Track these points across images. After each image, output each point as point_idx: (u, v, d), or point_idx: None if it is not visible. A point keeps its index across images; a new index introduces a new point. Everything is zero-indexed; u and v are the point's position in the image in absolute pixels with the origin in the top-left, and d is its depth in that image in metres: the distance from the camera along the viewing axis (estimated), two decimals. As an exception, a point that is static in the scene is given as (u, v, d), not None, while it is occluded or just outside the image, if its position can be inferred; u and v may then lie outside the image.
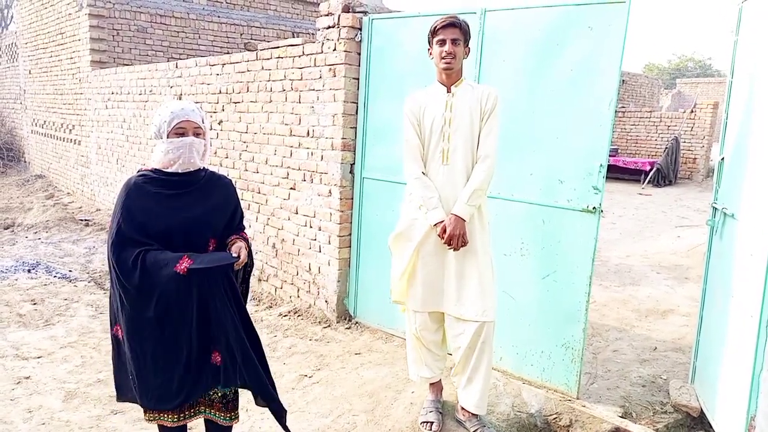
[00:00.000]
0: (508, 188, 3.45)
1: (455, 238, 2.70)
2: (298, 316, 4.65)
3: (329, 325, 4.42)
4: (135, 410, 3.22)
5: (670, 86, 31.92)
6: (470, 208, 2.73)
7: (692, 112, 14.38)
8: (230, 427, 2.43)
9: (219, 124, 5.60)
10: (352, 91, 4.20)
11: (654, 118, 15.05)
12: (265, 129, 4.99)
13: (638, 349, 4.13)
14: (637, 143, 15.29)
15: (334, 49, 4.20)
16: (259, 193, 5.17)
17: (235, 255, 2.16)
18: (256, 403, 2.38)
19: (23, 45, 12.00)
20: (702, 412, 3.17)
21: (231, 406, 2.35)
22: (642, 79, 20.45)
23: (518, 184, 3.41)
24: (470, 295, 2.79)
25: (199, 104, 5.69)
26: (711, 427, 3.05)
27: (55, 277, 5.57)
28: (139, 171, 2.24)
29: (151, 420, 2.27)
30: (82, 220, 8.08)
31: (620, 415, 3.18)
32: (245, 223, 2.52)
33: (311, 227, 4.60)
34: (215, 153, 5.67)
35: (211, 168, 2.39)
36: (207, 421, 2.39)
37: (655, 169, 13.34)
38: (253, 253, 2.48)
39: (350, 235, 4.41)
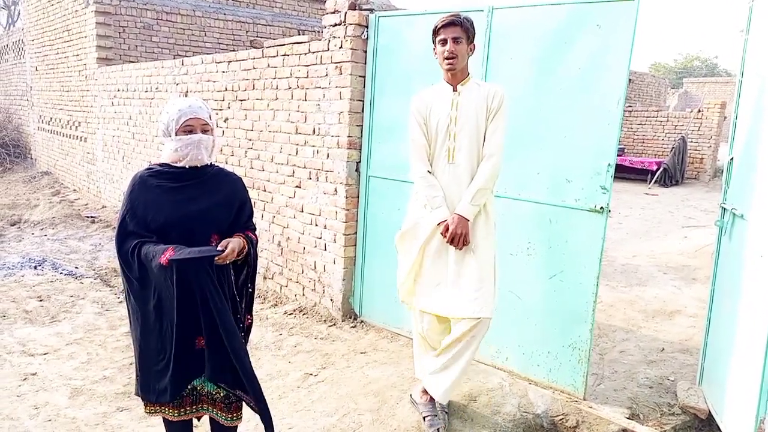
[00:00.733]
0: (515, 187, 3.43)
1: (457, 237, 2.70)
2: (304, 314, 4.64)
3: (334, 324, 4.41)
4: (141, 407, 3.21)
5: (676, 86, 31.78)
6: (473, 207, 2.72)
7: (699, 111, 14.30)
8: (234, 428, 2.43)
9: (225, 121, 5.60)
10: (358, 88, 4.19)
11: (661, 118, 14.98)
12: (271, 127, 4.99)
13: (645, 350, 4.11)
14: (643, 143, 15.22)
15: (341, 47, 4.19)
16: (264, 191, 5.16)
17: (220, 249, 2.13)
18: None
19: (30, 42, 12.03)
20: (710, 414, 3.14)
21: (234, 407, 2.34)
22: (649, 78, 20.36)
23: (525, 183, 3.39)
24: (468, 294, 2.77)
25: (205, 101, 5.68)
26: (719, 429, 3.02)
27: (61, 273, 5.58)
28: (148, 165, 2.27)
29: (152, 413, 2.28)
30: (88, 216, 8.10)
31: (627, 416, 3.16)
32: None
33: (317, 225, 4.59)
34: (221, 150, 5.67)
35: (217, 165, 2.39)
36: (211, 420, 2.40)
37: (662, 168, 13.28)
38: (258, 252, 2.45)
39: (356, 233, 4.40)
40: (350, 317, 4.47)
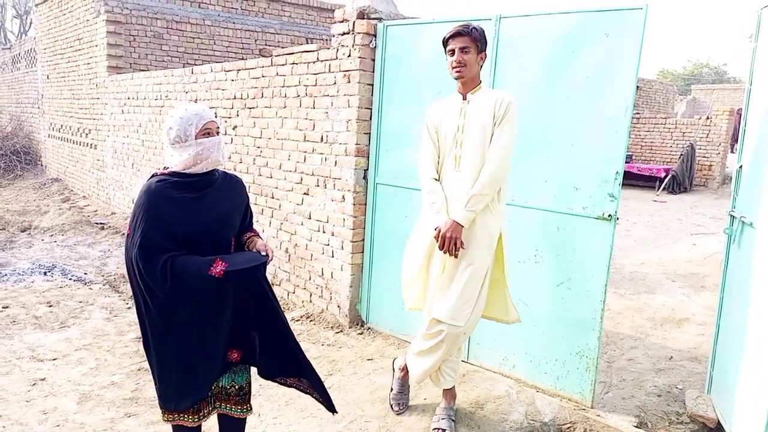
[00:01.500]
0: (523, 195, 3.43)
1: (448, 241, 2.69)
2: (311, 321, 4.65)
3: (341, 331, 4.42)
4: (149, 413, 3.24)
5: (684, 92, 31.66)
6: (469, 213, 2.71)
7: (708, 118, 14.25)
8: (244, 420, 2.45)
9: (233, 129, 5.64)
10: (366, 97, 4.21)
11: (669, 125, 14.93)
12: (279, 134, 5.02)
13: (653, 359, 4.09)
14: (651, 150, 15.17)
15: (349, 55, 4.21)
16: (272, 198, 5.19)
17: (263, 254, 2.22)
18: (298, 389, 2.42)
19: (42, 50, 12.18)
20: (719, 423, 3.12)
21: (247, 398, 2.39)
22: (657, 85, 20.30)
23: (533, 190, 3.39)
24: (450, 299, 2.80)
25: (213, 109, 5.75)
26: (728, 438, 3.01)
27: (70, 279, 5.62)
28: (153, 175, 2.23)
29: (170, 420, 2.29)
30: (97, 223, 8.16)
31: (635, 425, 3.15)
32: (259, 227, 2.56)
33: (324, 232, 4.61)
34: (229, 158, 5.70)
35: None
36: (220, 416, 2.41)
37: (670, 175, 13.22)
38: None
39: (363, 240, 4.41)
40: (357, 324, 4.48)
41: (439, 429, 2.97)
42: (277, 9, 10.76)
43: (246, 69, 5.44)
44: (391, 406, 3.21)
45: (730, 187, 3.07)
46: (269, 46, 10.29)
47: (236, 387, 2.35)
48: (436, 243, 2.83)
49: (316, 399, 2.38)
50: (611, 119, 3.07)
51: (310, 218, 4.75)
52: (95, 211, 9.12)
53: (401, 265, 3.13)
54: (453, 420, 3.04)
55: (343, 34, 4.26)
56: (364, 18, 4.15)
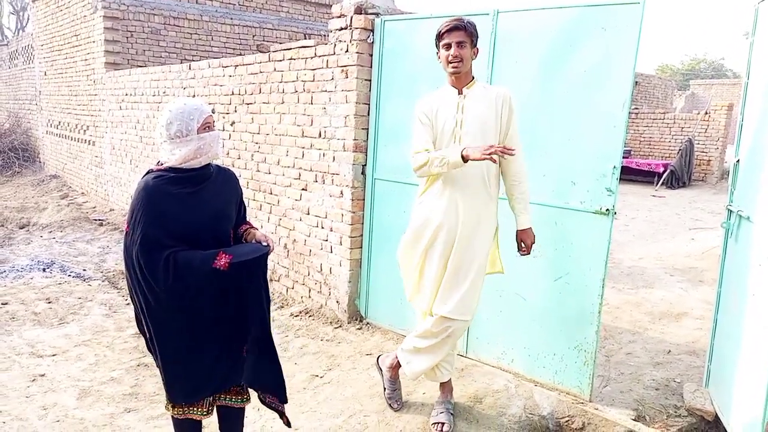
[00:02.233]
0: (521, 189, 3.43)
1: (532, 246, 2.95)
2: (310, 316, 4.66)
3: (340, 326, 4.43)
4: (148, 408, 3.25)
5: (683, 87, 31.64)
6: (530, 215, 2.93)
7: (706, 113, 14.25)
8: (243, 410, 2.47)
9: (231, 125, 5.64)
10: (364, 92, 4.21)
11: (667, 120, 14.93)
12: (277, 130, 5.01)
13: (652, 352, 4.10)
14: (650, 145, 15.17)
15: (347, 51, 4.21)
16: (270, 193, 5.19)
17: (264, 244, 2.23)
18: (263, 402, 2.40)
19: (39, 47, 12.14)
20: (717, 416, 3.13)
21: (245, 388, 2.42)
22: (655, 80, 20.29)
23: (531, 185, 3.38)
24: (455, 294, 2.82)
25: (211, 105, 5.74)
26: (726, 431, 3.02)
27: (69, 276, 5.63)
28: (150, 171, 2.21)
29: (180, 414, 2.31)
30: (96, 219, 8.16)
31: (633, 418, 3.16)
32: (257, 223, 2.57)
33: (323, 228, 4.61)
34: (227, 154, 5.70)
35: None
36: (219, 407, 2.43)
37: (668, 170, 13.23)
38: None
39: (361, 236, 4.41)
40: (356, 319, 4.48)
41: (438, 423, 2.98)
42: (275, 5, 10.73)
43: (244, 65, 5.43)
44: (390, 405, 3.20)
45: (728, 182, 3.06)
46: (267, 41, 10.26)
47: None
48: (435, 241, 2.83)
49: (282, 417, 2.41)
50: (609, 114, 3.07)
51: (308, 214, 4.76)
52: (94, 207, 9.12)
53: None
54: (452, 413, 3.05)
55: (341, 29, 4.25)
56: (361, 13, 4.14)
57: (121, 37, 9.00)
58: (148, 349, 2.35)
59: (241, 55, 8.48)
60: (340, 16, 4.26)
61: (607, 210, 3.11)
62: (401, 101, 4.03)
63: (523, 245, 2.95)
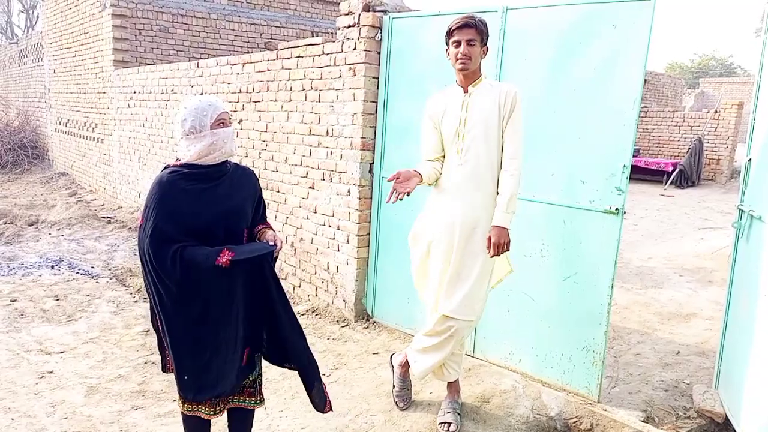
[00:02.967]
0: (529, 188, 3.41)
1: (501, 246, 2.73)
2: (316, 314, 4.65)
3: (347, 325, 4.42)
4: (155, 406, 3.25)
5: (693, 86, 31.42)
6: (509, 215, 2.74)
7: (716, 112, 14.13)
8: (253, 411, 2.46)
9: (239, 123, 5.64)
10: (372, 90, 4.20)
11: (677, 118, 14.82)
12: (285, 128, 5.01)
13: (661, 353, 4.07)
14: (659, 143, 15.07)
15: (354, 48, 4.20)
16: (278, 192, 5.19)
17: (271, 243, 2.21)
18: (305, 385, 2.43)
19: (48, 45, 12.20)
20: (726, 418, 3.10)
21: (259, 389, 2.42)
22: (664, 78, 20.15)
23: (539, 184, 3.37)
24: (458, 294, 2.81)
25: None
26: (736, 433, 2.99)
27: (77, 273, 5.65)
28: (166, 167, 2.23)
29: (189, 411, 2.31)
30: (104, 217, 8.19)
31: (642, 419, 3.13)
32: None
33: (330, 226, 4.60)
34: (235, 152, 5.70)
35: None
36: (230, 411, 2.42)
37: (677, 170, 13.13)
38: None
39: (369, 234, 4.40)
40: (363, 318, 4.48)
41: (445, 423, 2.97)
42: (283, 2, 10.73)
43: (251, 62, 5.43)
44: (396, 403, 3.20)
45: (738, 181, 3.04)
46: (275, 39, 10.26)
47: (250, 379, 2.38)
48: (439, 238, 2.83)
49: (311, 398, 2.41)
50: (619, 112, 3.04)
51: (315, 212, 4.75)
52: (102, 205, 9.16)
53: (407, 259, 3.13)
54: (459, 414, 3.04)
55: (349, 26, 4.24)
56: (369, 10, 4.13)
57: (129, 34, 9.03)
58: (159, 344, 2.35)
59: (248, 52, 8.49)
60: (348, 14, 4.24)
61: (617, 209, 3.08)
62: (409, 99, 4.01)
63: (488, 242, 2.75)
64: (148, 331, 4.33)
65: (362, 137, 4.22)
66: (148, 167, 8.04)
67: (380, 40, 4.15)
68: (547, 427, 3.08)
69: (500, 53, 3.47)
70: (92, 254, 6.42)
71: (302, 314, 4.65)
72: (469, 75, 2.78)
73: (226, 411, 2.44)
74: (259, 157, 5.39)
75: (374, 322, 4.43)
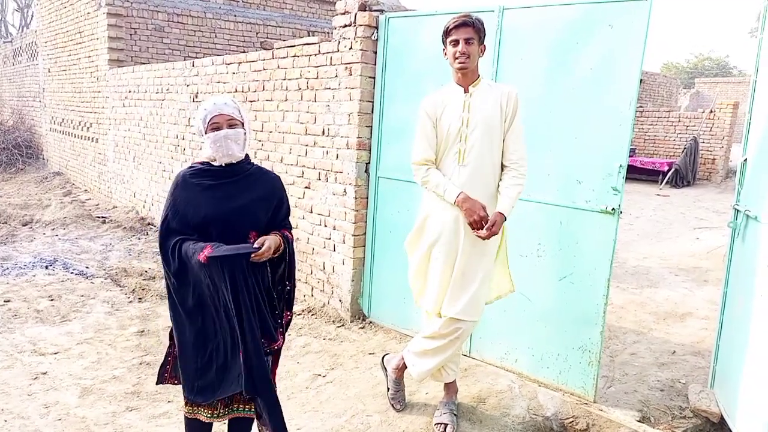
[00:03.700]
0: (526, 188, 3.35)
1: (492, 234, 2.71)
2: (312, 315, 4.64)
3: (343, 325, 4.41)
4: (150, 407, 3.24)
5: (688, 86, 31.52)
6: (511, 209, 2.76)
7: (711, 112, 14.18)
8: (251, 420, 2.44)
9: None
10: (368, 90, 4.18)
11: (672, 118, 14.86)
12: (281, 128, 4.99)
13: (656, 353, 4.07)
14: (654, 143, 15.11)
15: (351, 48, 4.18)
16: (274, 191, 5.16)
17: (255, 246, 2.15)
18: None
19: (43, 44, 12.14)
20: (722, 417, 3.11)
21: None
22: (660, 78, 20.21)
23: (536, 184, 3.36)
24: (463, 295, 2.79)
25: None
26: (732, 433, 2.99)
27: (72, 273, 5.62)
28: (191, 164, 2.33)
29: (190, 414, 2.30)
30: (99, 217, 8.16)
31: (638, 419, 3.13)
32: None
33: (326, 226, 4.59)
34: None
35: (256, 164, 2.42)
36: (231, 420, 2.40)
37: (673, 169, 13.17)
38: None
39: (365, 234, 4.39)
40: (359, 318, 4.46)
41: (441, 423, 2.96)
42: (279, 2, 10.71)
43: (247, 62, 5.41)
44: (392, 406, 3.18)
45: (733, 181, 3.06)
46: (271, 38, 10.24)
47: None
48: (439, 240, 2.82)
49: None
50: (615, 112, 3.04)
51: (311, 212, 4.74)
52: (97, 204, 9.12)
53: (403, 259, 3.12)
54: (455, 414, 3.03)
55: (345, 26, 4.23)
56: (366, 10, 4.12)
57: (124, 34, 8.99)
58: (165, 356, 2.36)
59: (244, 52, 8.46)
60: (344, 13, 4.23)
61: (613, 209, 3.08)
62: (406, 99, 4.00)
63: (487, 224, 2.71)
64: (142, 331, 4.31)
65: (358, 137, 4.21)
66: (143, 167, 8.01)
67: (376, 39, 4.14)
68: (543, 427, 3.08)
69: (496, 53, 3.46)
70: (87, 254, 6.38)
71: (298, 314, 4.64)
72: (469, 74, 2.77)
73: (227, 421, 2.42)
74: (255, 157, 5.37)
75: (370, 322, 4.42)
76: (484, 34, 2.77)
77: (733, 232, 3.24)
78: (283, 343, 2.42)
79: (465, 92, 2.80)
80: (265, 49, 5.30)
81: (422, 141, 2.84)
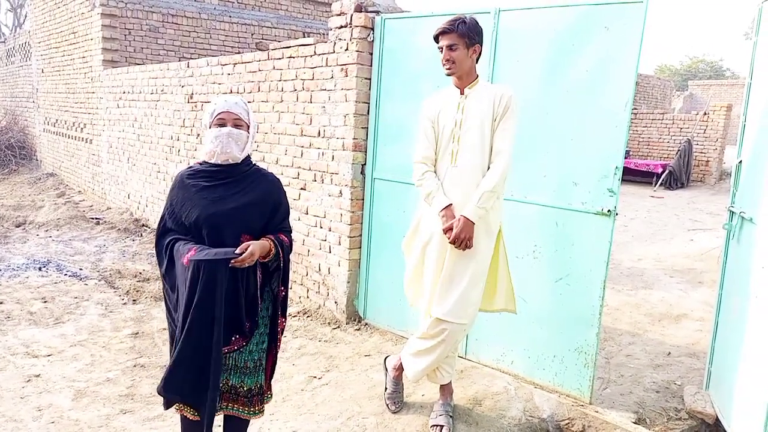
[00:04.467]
0: (522, 190, 3.41)
1: (460, 240, 2.67)
2: (308, 316, 4.63)
3: (339, 326, 4.40)
4: (144, 410, 3.22)
5: (682, 88, 31.67)
6: (480, 210, 2.69)
7: (705, 114, 14.25)
8: (247, 422, 2.42)
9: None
10: (363, 91, 4.18)
11: (666, 120, 14.93)
12: (276, 129, 4.98)
13: (652, 354, 4.08)
14: (649, 145, 15.18)
15: (346, 49, 4.18)
16: (269, 193, 5.15)
17: (237, 252, 2.09)
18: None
19: (36, 44, 12.08)
20: (717, 419, 3.11)
21: (256, 400, 2.33)
22: (654, 80, 20.30)
23: (531, 185, 3.37)
24: (451, 297, 2.77)
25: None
26: (727, 434, 3.00)
27: (65, 275, 5.58)
28: (189, 164, 2.33)
29: (177, 409, 2.28)
30: (92, 218, 8.11)
31: (634, 421, 3.14)
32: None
33: (321, 228, 4.58)
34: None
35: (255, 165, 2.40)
36: (226, 417, 2.39)
37: (667, 171, 13.22)
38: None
39: (361, 235, 4.38)
40: (355, 320, 4.45)
41: (437, 425, 2.96)
42: (274, 2, 10.69)
43: (242, 63, 5.40)
44: (387, 405, 3.18)
45: (727, 183, 3.06)
46: (266, 39, 10.22)
47: (245, 388, 2.30)
48: (432, 240, 2.82)
49: None
50: (611, 114, 3.05)
51: (307, 213, 4.72)
52: (91, 206, 9.07)
53: (399, 260, 3.12)
54: (451, 416, 3.02)
55: (341, 27, 4.22)
56: (361, 11, 4.11)
57: (119, 34, 8.96)
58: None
59: (239, 53, 8.45)
60: (340, 14, 4.23)
61: (609, 211, 3.08)
62: (401, 100, 4.00)
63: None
64: (137, 333, 4.28)
65: (354, 138, 4.21)
66: (138, 168, 7.98)
67: (372, 40, 4.14)
68: (539, 428, 3.08)
69: (493, 55, 3.46)
70: (80, 256, 6.35)
71: (293, 316, 4.62)
72: (463, 77, 2.79)
73: (223, 419, 2.41)
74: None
75: (366, 323, 4.41)
76: (474, 36, 2.74)
77: (728, 233, 3.25)
78: (277, 349, 2.42)
79: (461, 94, 2.81)
80: (260, 50, 5.29)
81: (422, 140, 2.87)
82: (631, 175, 13.68)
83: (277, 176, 2.42)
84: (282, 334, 2.44)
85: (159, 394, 2.23)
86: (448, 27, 2.71)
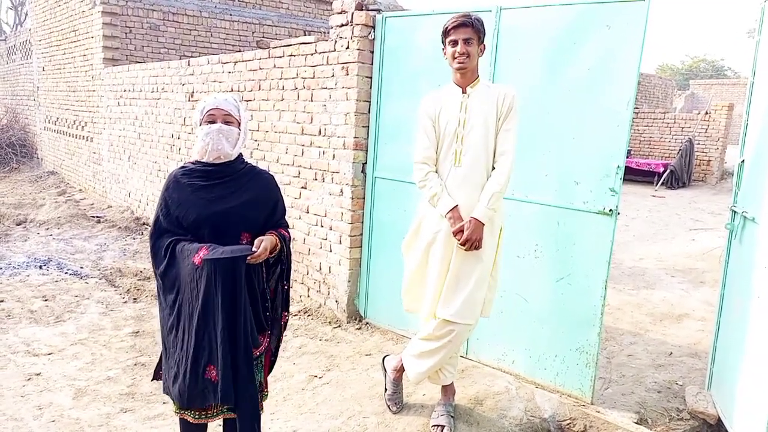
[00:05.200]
0: (523, 189, 3.40)
1: (471, 242, 2.67)
2: (309, 315, 4.62)
3: (339, 326, 4.39)
4: (145, 408, 3.21)
5: (683, 87, 31.63)
6: (490, 211, 2.69)
7: (707, 113, 14.23)
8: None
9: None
10: (364, 89, 4.17)
11: (667, 120, 14.92)
12: (277, 127, 4.97)
13: (653, 354, 4.07)
14: (650, 144, 15.16)
15: (347, 48, 4.17)
16: (270, 191, 5.14)
17: (254, 249, 2.11)
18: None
19: (37, 42, 12.07)
20: (719, 419, 3.10)
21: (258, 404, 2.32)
22: (655, 80, 20.26)
23: (533, 185, 3.36)
24: (458, 297, 2.76)
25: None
26: (729, 435, 2.99)
27: (66, 273, 5.58)
28: (183, 164, 2.30)
29: (177, 413, 2.27)
30: (93, 216, 8.11)
31: (635, 421, 3.13)
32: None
33: (322, 227, 4.57)
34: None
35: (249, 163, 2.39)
36: (226, 420, 2.37)
37: (668, 171, 13.20)
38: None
39: (361, 234, 4.37)
40: (355, 319, 4.45)
41: (438, 425, 2.95)
42: (275, 1, 10.68)
43: (243, 61, 5.39)
44: (389, 407, 3.16)
45: (728, 183, 3.05)
46: (267, 38, 10.21)
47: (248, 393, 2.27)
48: (435, 241, 2.80)
49: None
50: (613, 112, 3.03)
51: (307, 212, 4.71)
52: (91, 204, 9.07)
53: (400, 259, 3.10)
54: (452, 416, 3.01)
55: (342, 25, 4.21)
56: (362, 9, 4.10)
57: (119, 32, 8.95)
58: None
59: (240, 51, 8.43)
60: (341, 12, 4.21)
61: (611, 210, 3.07)
62: (403, 99, 3.98)
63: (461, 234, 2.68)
64: (137, 332, 4.28)
65: (355, 137, 4.20)
66: (138, 166, 7.97)
67: (373, 39, 4.13)
68: (540, 428, 3.07)
69: (494, 53, 3.45)
70: (81, 254, 6.34)
71: (294, 315, 4.62)
72: (467, 75, 2.76)
73: (222, 422, 2.39)
74: (251, 157, 5.34)
75: (367, 323, 4.40)
76: (484, 34, 2.76)
77: (731, 233, 3.24)
78: (278, 345, 2.40)
79: (463, 93, 2.78)
80: (261, 48, 5.28)
81: (423, 140, 2.83)
82: (633, 175, 13.66)
83: (271, 173, 2.41)
84: (285, 328, 2.45)
85: (172, 399, 2.21)
86: (466, 20, 2.67)
